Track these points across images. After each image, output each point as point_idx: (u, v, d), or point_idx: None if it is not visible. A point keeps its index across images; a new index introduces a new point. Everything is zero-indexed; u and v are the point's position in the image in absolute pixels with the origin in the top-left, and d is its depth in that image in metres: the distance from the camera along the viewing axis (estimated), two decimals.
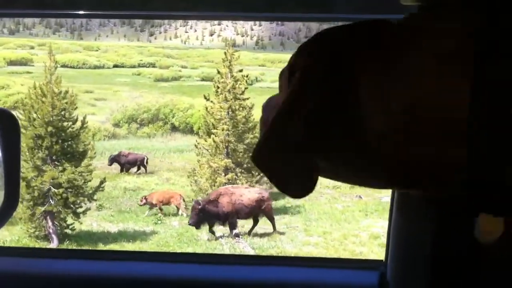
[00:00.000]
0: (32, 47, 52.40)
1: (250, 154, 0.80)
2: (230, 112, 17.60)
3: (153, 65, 47.85)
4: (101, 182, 14.41)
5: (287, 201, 19.19)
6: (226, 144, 17.50)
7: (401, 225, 1.33)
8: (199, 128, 28.62)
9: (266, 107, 0.94)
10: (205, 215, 14.59)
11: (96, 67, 44.57)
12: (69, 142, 14.01)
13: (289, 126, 0.73)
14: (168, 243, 14.87)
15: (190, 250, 14.31)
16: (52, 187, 13.52)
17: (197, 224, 14.59)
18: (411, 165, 0.68)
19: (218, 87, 17.96)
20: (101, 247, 14.37)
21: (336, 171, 0.79)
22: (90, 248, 14.09)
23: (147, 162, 21.97)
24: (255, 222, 15.67)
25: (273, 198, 19.26)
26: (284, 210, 18.00)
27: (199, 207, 14.44)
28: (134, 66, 47.06)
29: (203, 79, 43.40)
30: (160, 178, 21.58)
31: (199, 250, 14.27)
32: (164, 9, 1.43)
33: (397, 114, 0.67)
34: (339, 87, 0.71)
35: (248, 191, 15.79)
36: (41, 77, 38.82)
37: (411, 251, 1.33)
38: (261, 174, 18.46)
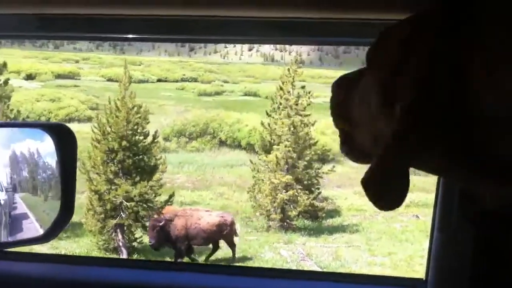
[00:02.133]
0: (77, 61, 53.73)
1: (362, 178, 0.74)
2: (292, 128, 17.61)
3: (195, 80, 48.46)
4: (170, 196, 14.56)
5: (343, 219, 19.09)
6: (287, 161, 17.50)
7: (442, 244, 1.36)
8: (247, 143, 28.98)
9: (339, 87, 0.87)
10: (164, 235, 13.45)
11: (140, 81, 45.24)
12: (141, 156, 14.23)
13: (404, 152, 0.67)
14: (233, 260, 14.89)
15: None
16: (124, 201, 13.73)
17: (158, 245, 13.44)
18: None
19: (280, 103, 17.99)
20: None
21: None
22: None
23: None
24: (215, 247, 14.66)
25: (329, 216, 19.23)
26: (342, 229, 17.88)
27: (160, 225, 13.26)
28: (177, 81, 47.77)
29: (245, 94, 43.78)
30: (214, 193, 21.67)
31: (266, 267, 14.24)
32: (206, 34, 1.46)
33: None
34: (450, 87, 0.62)
35: (209, 214, 14.54)
36: (89, 90, 39.85)
37: (451, 270, 1.34)
38: (320, 191, 18.51)
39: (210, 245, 14.71)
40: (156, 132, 14.71)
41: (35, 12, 1.37)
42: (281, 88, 18.34)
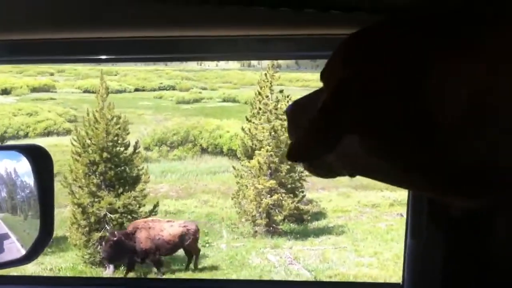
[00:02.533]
0: (52, 74, 53.03)
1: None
2: (272, 133, 17.63)
3: (173, 88, 48.20)
4: (154, 206, 14.46)
5: (329, 221, 19.15)
6: (269, 165, 17.50)
7: (414, 250, 1.42)
8: (228, 150, 28.95)
9: (294, 110, 0.86)
10: (121, 249, 13.10)
11: (118, 91, 44.87)
12: (123, 167, 14.09)
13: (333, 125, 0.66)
14: (220, 267, 14.81)
15: (244, 273, 14.24)
16: (108, 213, 13.58)
17: (110, 259, 13.23)
18: (474, 165, 0.62)
19: (260, 108, 18.00)
20: (154, 272, 14.34)
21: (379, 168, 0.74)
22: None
23: None
24: (189, 257, 14.48)
25: (314, 218, 19.28)
26: (328, 231, 17.93)
27: (114, 239, 12.91)
28: (154, 89, 47.47)
29: (224, 100, 43.70)
30: (199, 200, 21.57)
31: (254, 273, 14.20)
32: (185, 53, 1.50)
33: (468, 102, 0.61)
34: (403, 83, 0.65)
35: (170, 225, 14.23)
36: (66, 103, 39.41)
37: (423, 273, 1.41)
38: (304, 194, 18.55)
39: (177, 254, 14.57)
40: (137, 142, 14.61)
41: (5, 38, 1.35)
42: (259, 93, 18.35)
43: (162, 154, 28.96)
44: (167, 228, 13.94)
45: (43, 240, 1.42)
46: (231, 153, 28.14)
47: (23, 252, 1.42)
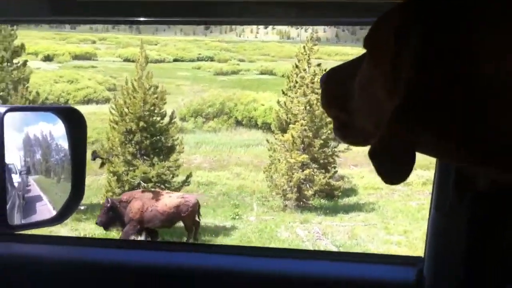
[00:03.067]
0: (94, 42, 53.90)
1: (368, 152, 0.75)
2: (307, 107, 17.56)
3: (211, 59, 48.39)
4: (187, 177, 14.72)
5: (360, 198, 19.11)
6: (303, 140, 17.49)
7: (437, 223, 1.41)
8: (263, 123, 28.98)
9: (330, 79, 0.85)
10: (115, 216, 12.95)
11: (157, 61, 45.26)
12: (158, 137, 14.36)
13: (405, 128, 0.66)
14: (250, 239, 15.06)
15: (272, 246, 14.44)
16: (142, 182, 13.92)
17: (105, 225, 13.01)
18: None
19: (296, 82, 17.90)
20: (183, 240, 14.68)
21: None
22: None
23: None
24: (189, 230, 13.96)
25: (345, 195, 19.24)
26: (358, 207, 17.91)
27: (108, 205, 12.79)
28: (193, 60, 47.74)
29: (261, 73, 43.62)
30: (231, 172, 21.79)
31: (282, 246, 14.38)
32: (223, 16, 1.48)
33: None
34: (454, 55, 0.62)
35: (169, 196, 13.70)
36: (106, 71, 40.02)
37: (446, 247, 1.39)
38: (336, 170, 18.51)
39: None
40: (173, 113, 14.81)
41: None
42: (296, 66, 18.23)
43: (197, 125, 29.26)
44: (163, 200, 13.51)
45: (73, 203, 1.48)
46: (266, 127, 28.17)
47: (54, 213, 1.48)
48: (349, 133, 0.87)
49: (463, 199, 1.28)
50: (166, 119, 14.71)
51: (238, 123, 29.92)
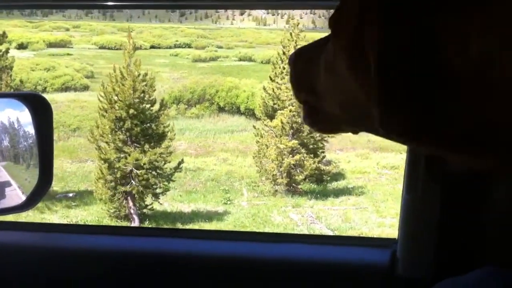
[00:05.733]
0: (67, 29, 52.82)
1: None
2: None
3: (189, 46, 47.94)
4: (179, 163, 14.58)
5: (348, 182, 19.24)
6: (292, 125, 17.50)
7: (409, 205, 1.40)
8: (245, 109, 28.92)
9: (298, 59, 0.80)
10: None
11: (133, 48, 44.60)
12: (149, 124, 14.17)
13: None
14: (244, 223, 15.05)
15: (267, 230, 14.46)
16: (134, 169, 13.74)
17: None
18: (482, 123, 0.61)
19: (284, 68, 17.86)
20: (178, 226, 14.62)
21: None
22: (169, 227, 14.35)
23: None
24: None
25: (333, 179, 19.37)
26: (347, 191, 18.03)
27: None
28: (170, 47, 47.22)
29: (240, 59, 43.40)
30: (217, 158, 21.71)
31: (277, 230, 14.41)
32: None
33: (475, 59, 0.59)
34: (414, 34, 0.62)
35: None
36: (82, 59, 39.39)
37: (418, 228, 1.39)
38: (324, 155, 18.60)
39: None
40: (162, 100, 14.60)
41: None
42: (283, 53, 18.18)
43: (180, 112, 29.01)
44: None
45: (42, 188, 1.45)
46: (249, 113, 28.18)
47: (23, 198, 1.45)
48: (318, 119, 0.79)
49: (435, 179, 1.28)
50: (156, 106, 14.51)
51: (221, 109, 29.82)
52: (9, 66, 16.11)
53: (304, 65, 0.79)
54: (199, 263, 1.63)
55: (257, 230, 14.45)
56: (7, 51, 16.33)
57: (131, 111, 13.80)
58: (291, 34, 18.01)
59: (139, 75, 14.17)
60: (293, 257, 1.61)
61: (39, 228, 1.91)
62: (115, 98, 13.95)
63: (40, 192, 1.45)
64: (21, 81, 16.50)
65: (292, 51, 17.80)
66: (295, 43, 17.80)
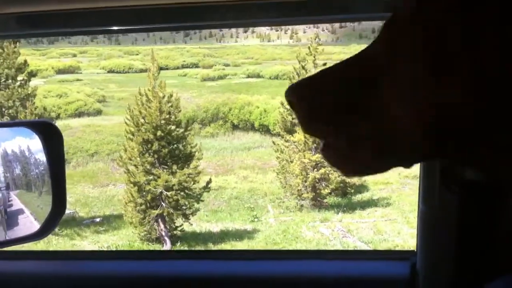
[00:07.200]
0: (74, 55, 53.24)
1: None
2: None
3: (196, 65, 48.17)
4: (207, 183, 14.52)
5: (372, 193, 19.12)
6: (314, 140, 17.43)
7: (426, 216, 1.40)
8: (259, 125, 28.92)
9: (304, 96, 0.68)
10: None
11: (141, 70, 44.89)
12: (176, 145, 14.15)
13: None
14: (275, 240, 14.92)
15: (300, 246, 14.34)
16: (164, 190, 13.69)
17: None
18: None
19: None
20: (210, 247, 14.53)
21: None
22: (200, 249, 14.25)
23: None
24: None
25: (357, 191, 19.25)
26: (373, 203, 17.91)
27: None
28: (178, 68, 47.45)
29: (248, 76, 43.53)
30: (238, 176, 21.65)
31: (310, 246, 14.29)
32: (201, 20, 1.44)
33: None
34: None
35: None
36: (92, 83, 39.60)
37: (436, 240, 1.38)
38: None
39: None
40: (188, 120, 14.60)
41: (28, 10, 1.34)
42: (303, 67, 18.19)
43: (195, 132, 29.03)
44: None
45: (56, 214, 1.44)
46: (263, 129, 28.19)
47: (37, 226, 1.46)
48: (360, 146, 0.67)
49: (452, 190, 1.26)
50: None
51: (235, 127, 29.84)
52: (32, 94, 16.18)
53: (316, 98, 0.68)
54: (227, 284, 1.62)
55: (289, 247, 14.34)
56: (29, 79, 16.41)
57: (159, 133, 13.79)
58: (309, 48, 18.03)
59: (164, 96, 14.18)
60: (314, 274, 1.61)
61: (57, 256, 1.92)
62: (142, 121, 13.95)
63: (55, 218, 1.44)
64: (44, 108, 16.51)
65: (311, 65, 17.95)
66: (314, 57, 17.82)
